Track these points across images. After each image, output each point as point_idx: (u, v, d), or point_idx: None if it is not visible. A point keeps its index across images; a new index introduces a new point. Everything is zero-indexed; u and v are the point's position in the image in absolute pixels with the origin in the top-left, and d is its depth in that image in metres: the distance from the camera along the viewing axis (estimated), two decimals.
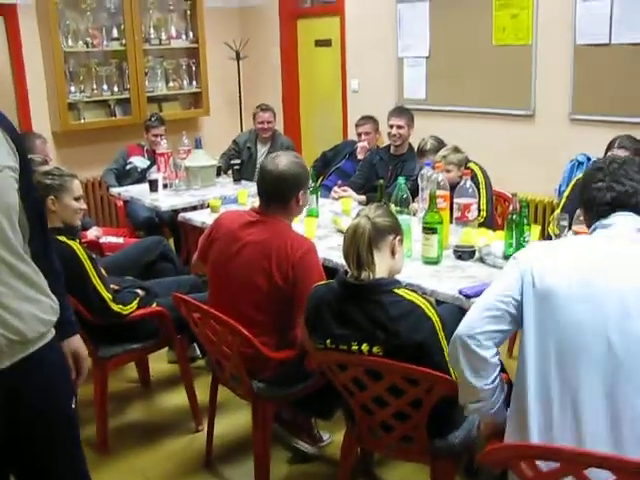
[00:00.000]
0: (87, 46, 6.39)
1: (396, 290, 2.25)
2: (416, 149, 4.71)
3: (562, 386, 1.79)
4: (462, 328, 1.93)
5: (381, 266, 2.31)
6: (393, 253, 2.39)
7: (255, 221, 2.89)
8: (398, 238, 2.41)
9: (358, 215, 2.38)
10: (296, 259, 2.73)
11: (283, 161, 2.86)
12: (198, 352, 4.09)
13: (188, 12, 6.99)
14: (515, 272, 1.92)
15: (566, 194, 4.13)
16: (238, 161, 5.50)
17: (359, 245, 2.27)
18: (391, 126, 5.18)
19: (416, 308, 2.21)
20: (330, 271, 3.16)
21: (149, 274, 3.98)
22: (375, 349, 2.22)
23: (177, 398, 3.78)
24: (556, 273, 1.84)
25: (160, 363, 4.11)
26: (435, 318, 2.22)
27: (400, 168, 5.05)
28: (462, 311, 2.99)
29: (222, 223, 3.02)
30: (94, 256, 3.29)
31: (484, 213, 4.10)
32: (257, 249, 2.79)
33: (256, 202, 4.42)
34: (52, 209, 3.23)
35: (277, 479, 3.08)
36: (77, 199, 3.31)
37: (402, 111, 5.27)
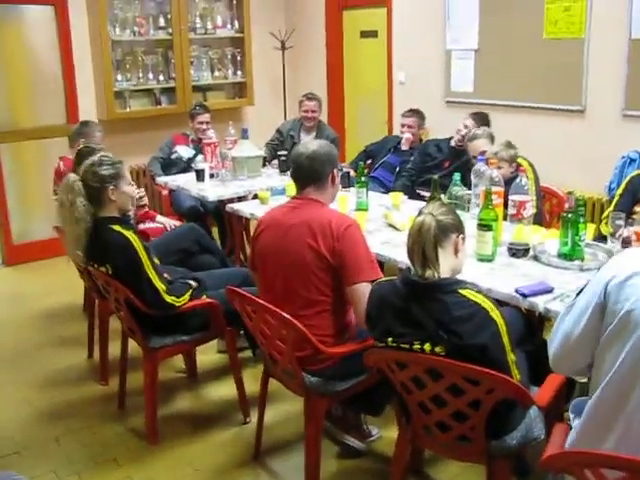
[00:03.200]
0: (134, 35, 6.43)
1: (461, 290, 2.22)
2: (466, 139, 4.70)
3: None
4: None
5: (444, 265, 2.28)
6: (456, 252, 2.37)
7: (296, 206, 2.94)
8: (461, 237, 2.38)
9: (421, 213, 2.35)
10: (340, 233, 2.77)
11: (314, 143, 2.98)
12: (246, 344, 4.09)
13: (234, 2, 7.00)
14: None
15: (619, 192, 4.07)
16: (285, 152, 5.48)
17: (425, 243, 2.25)
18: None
19: (480, 310, 2.18)
20: (381, 265, 3.16)
21: (186, 263, 3.97)
22: (437, 349, 2.20)
23: (224, 389, 3.80)
24: None
25: (206, 354, 4.12)
26: (499, 320, 2.19)
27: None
28: (522, 313, 2.98)
29: (264, 219, 3.07)
30: (147, 245, 3.30)
31: (534, 209, 4.04)
32: (301, 229, 2.83)
33: None
34: (112, 198, 3.25)
35: (327, 474, 3.07)
36: (130, 184, 3.34)
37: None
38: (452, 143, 5.20)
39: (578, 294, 1.98)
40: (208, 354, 4.14)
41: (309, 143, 2.99)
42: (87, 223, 3.28)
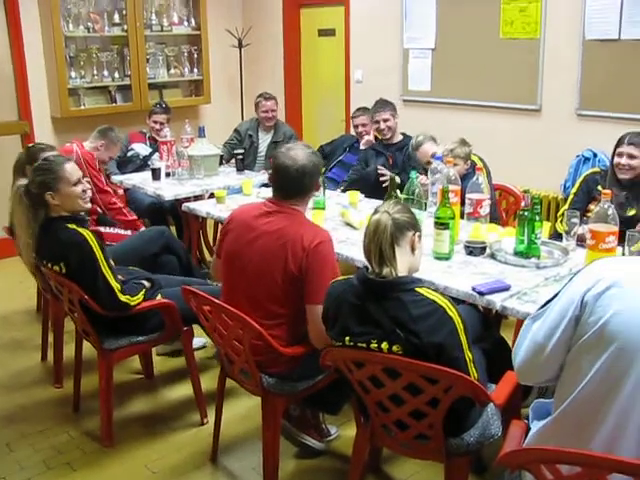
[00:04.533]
0: (88, 31, 6.31)
1: (418, 289, 2.22)
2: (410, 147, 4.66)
3: None
4: None
5: (402, 263, 2.28)
6: (413, 249, 2.36)
7: (272, 211, 2.85)
8: (417, 234, 2.38)
9: (376, 211, 2.34)
10: (311, 248, 2.71)
11: (300, 154, 2.82)
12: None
13: None
14: None
15: (574, 190, 4.12)
16: (241, 151, 5.45)
17: (381, 241, 2.24)
18: (377, 122, 5.22)
19: (437, 308, 2.18)
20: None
21: (154, 267, 3.92)
22: (395, 348, 2.19)
23: (181, 390, 3.76)
24: None
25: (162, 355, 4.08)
26: (457, 319, 2.19)
27: (401, 154, 5.03)
28: (479, 311, 3.00)
29: (235, 215, 2.99)
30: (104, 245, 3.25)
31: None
32: (272, 238, 2.77)
33: (261, 193, 4.43)
34: (54, 203, 3.18)
35: (285, 475, 3.05)
36: (75, 184, 3.25)
37: (384, 103, 5.27)
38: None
39: (548, 302, 1.93)
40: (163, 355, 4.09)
41: (294, 153, 2.82)
42: (33, 229, 3.25)
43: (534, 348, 1.91)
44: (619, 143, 3.85)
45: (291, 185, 2.83)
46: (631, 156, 3.74)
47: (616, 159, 3.83)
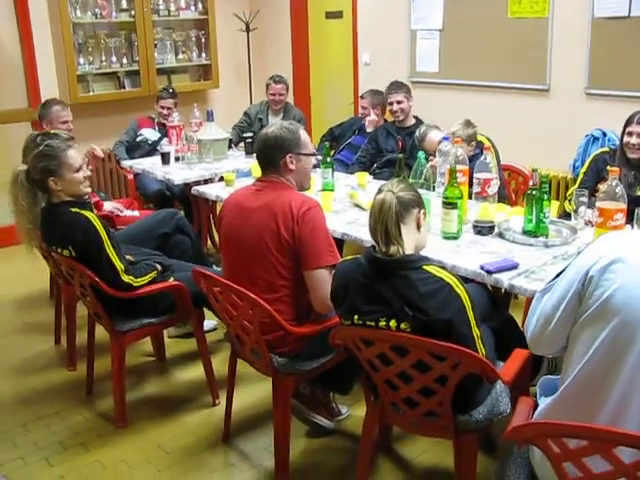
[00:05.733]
0: (96, 17, 6.33)
1: (425, 267, 2.23)
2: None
3: None
4: None
5: (408, 241, 2.29)
6: (418, 227, 2.38)
7: (258, 189, 2.94)
8: (422, 211, 2.39)
9: (380, 191, 2.35)
10: (299, 216, 2.76)
11: (272, 127, 2.96)
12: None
13: None
14: None
15: (583, 170, 4.11)
16: (250, 134, 5.45)
17: (387, 220, 2.25)
18: (391, 103, 5.24)
19: (445, 285, 2.19)
20: (340, 245, 3.16)
21: (165, 247, 3.95)
22: (403, 325, 2.21)
23: (193, 372, 3.79)
24: None
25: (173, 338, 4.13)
26: (464, 295, 2.21)
27: (410, 139, 5.02)
28: (487, 290, 3.01)
29: (228, 202, 3.06)
30: (109, 227, 3.28)
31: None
32: (263, 211, 2.83)
33: None
34: (56, 189, 3.21)
35: (296, 453, 3.08)
36: (78, 170, 3.27)
37: (399, 86, 5.28)
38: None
39: (558, 275, 1.97)
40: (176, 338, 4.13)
41: (274, 127, 2.97)
42: (33, 214, 3.28)
43: (543, 320, 1.96)
44: (629, 122, 3.83)
45: (259, 154, 2.97)
46: None
47: (626, 138, 3.82)
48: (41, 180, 3.22)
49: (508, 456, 2.13)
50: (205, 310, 3.53)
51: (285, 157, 2.90)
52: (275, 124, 3.00)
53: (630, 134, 3.79)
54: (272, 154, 2.91)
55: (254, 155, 4.70)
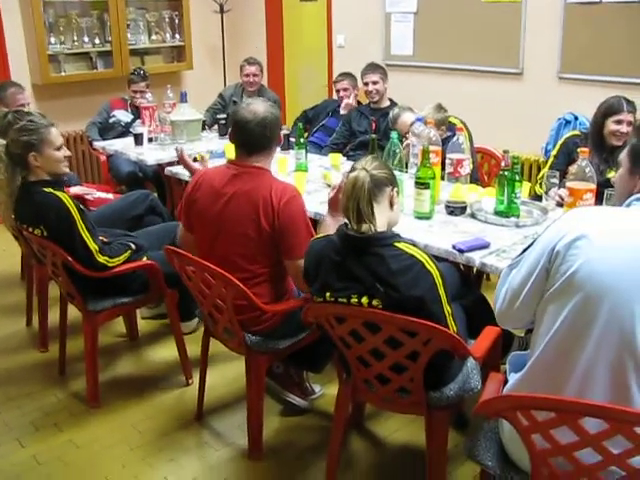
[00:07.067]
0: None
1: (397, 244, 2.24)
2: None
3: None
4: None
5: (381, 218, 2.30)
6: (391, 205, 2.38)
7: (238, 173, 2.86)
8: (395, 190, 2.40)
9: (354, 169, 2.35)
10: (280, 206, 2.74)
11: (260, 108, 2.82)
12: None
13: None
14: None
15: (554, 153, 4.14)
16: (224, 115, 5.44)
17: (359, 198, 2.25)
18: (366, 83, 5.25)
19: (416, 262, 2.21)
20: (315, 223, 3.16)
21: (138, 229, 3.93)
22: (374, 302, 2.22)
23: (165, 352, 3.79)
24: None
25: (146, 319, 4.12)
26: (435, 272, 2.22)
27: (385, 120, 5.04)
28: (459, 269, 3.04)
29: (201, 182, 2.97)
30: (82, 207, 3.25)
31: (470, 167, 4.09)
32: (243, 200, 2.79)
33: None
34: (36, 164, 3.19)
35: (269, 432, 3.10)
36: (58, 148, 3.26)
37: (375, 67, 5.30)
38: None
39: (525, 250, 1.99)
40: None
41: (254, 107, 2.82)
42: (11, 189, 3.24)
43: (511, 294, 1.98)
44: (616, 111, 3.72)
45: (254, 140, 2.83)
46: (630, 123, 3.70)
47: (614, 126, 3.71)
48: (21, 155, 3.18)
49: (478, 431, 2.15)
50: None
51: (280, 135, 2.89)
52: (255, 103, 2.85)
53: (619, 122, 3.70)
54: (272, 136, 2.84)
55: (228, 136, 4.67)
